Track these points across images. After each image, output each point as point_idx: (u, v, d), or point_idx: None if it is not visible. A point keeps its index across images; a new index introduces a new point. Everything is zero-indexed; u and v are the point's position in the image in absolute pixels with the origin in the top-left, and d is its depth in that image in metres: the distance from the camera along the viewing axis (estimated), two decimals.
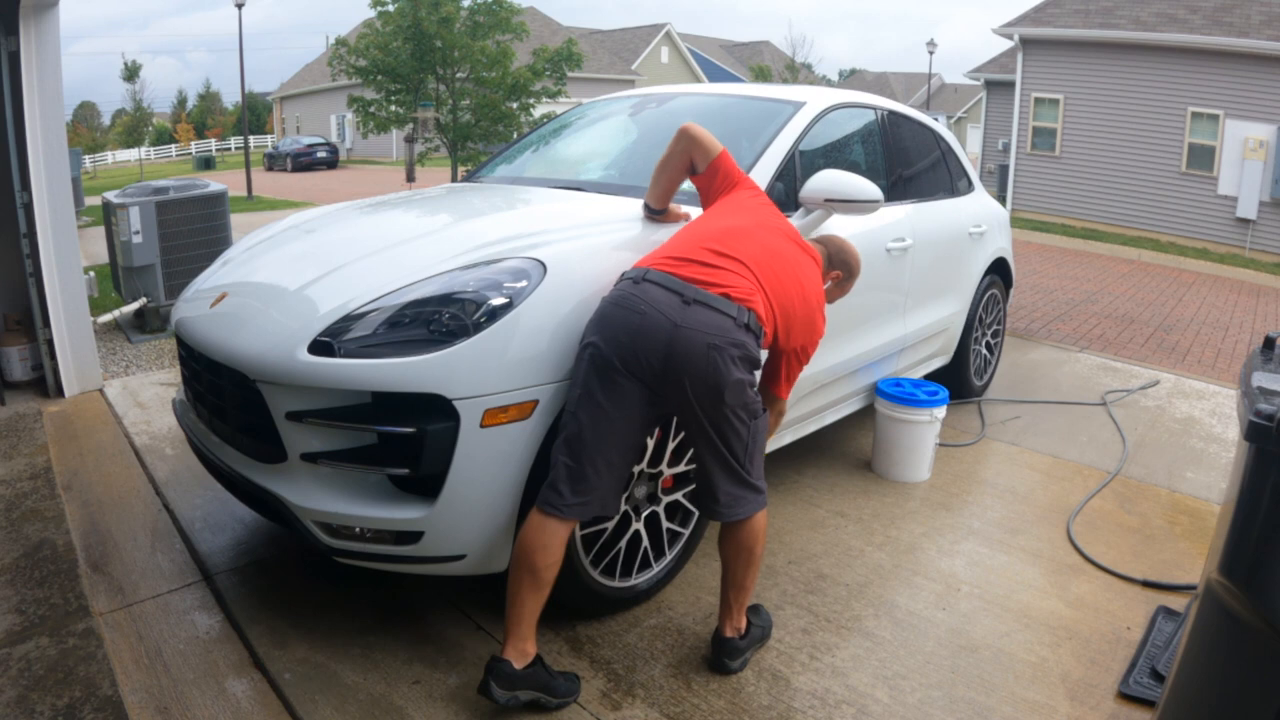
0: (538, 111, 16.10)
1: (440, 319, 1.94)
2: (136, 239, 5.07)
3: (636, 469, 2.22)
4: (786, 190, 2.79)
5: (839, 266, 2.43)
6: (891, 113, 3.71)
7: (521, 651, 1.90)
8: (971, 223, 4.07)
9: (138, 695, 1.97)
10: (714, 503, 2.05)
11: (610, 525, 2.21)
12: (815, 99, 3.15)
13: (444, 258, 2.12)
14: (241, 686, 2.03)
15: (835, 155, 3.22)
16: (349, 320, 1.96)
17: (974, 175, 4.42)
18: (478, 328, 1.92)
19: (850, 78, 52.91)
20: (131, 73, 48.34)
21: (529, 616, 1.92)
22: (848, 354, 3.15)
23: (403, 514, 1.95)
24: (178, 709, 1.94)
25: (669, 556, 2.43)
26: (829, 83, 43.11)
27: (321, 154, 28.15)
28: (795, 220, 2.65)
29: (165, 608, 2.34)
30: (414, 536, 1.96)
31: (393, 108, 16.18)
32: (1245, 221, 13.01)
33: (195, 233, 5.39)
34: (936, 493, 3.29)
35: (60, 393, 4.05)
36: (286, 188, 20.29)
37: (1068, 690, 2.13)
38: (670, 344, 1.84)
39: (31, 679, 1.99)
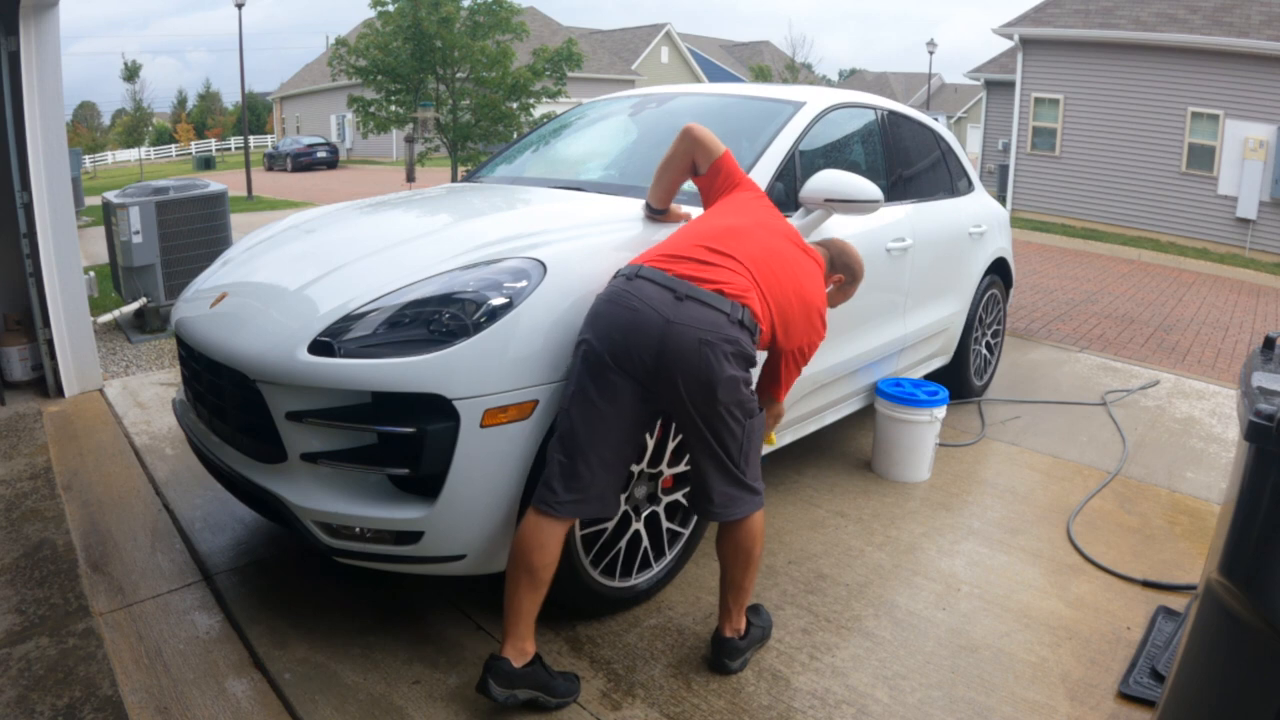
0: (538, 111, 16.10)
1: (440, 319, 1.94)
2: (136, 239, 5.07)
3: (636, 469, 2.22)
4: (786, 190, 2.79)
5: (841, 270, 2.42)
6: (891, 113, 3.71)
7: (520, 650, 1.90)
8: (971, 223, 4.07)
9: (138, 695, 1.97)
10: (708, 503, 2.04)
11: (610, 525, 2.21)
12: (815, 99, 3.15)
13: (444, 258, 2.12)
14: (241, 686, 2.03)
15: (835, 155, 3.22)
16: (349, 320, 1.96)
17: (974, 175, 4.42)
18: (478, 328, 1.92)
19: (850, 78, 52.90)
20: (131, 73, 48.38)
21: (527, 616, 1.92)
22: (848, 354, 3.15)
23: (403, 514, 1.95)
24: (178, 709, 1.94)
25: (669, 556, 2.43)
26: (829, 83, 43.11)
27: (321, 154, 28.16)
28: (795, 220, 2.65)
29: (165, 608, 2.34)
30: (414, 536, 1.96)
31: (393, 108, 16.18)
32: (1245, 221, 13.01)
33: (195, 233, 5.39)
34: (936, 493, 3.29)
35: (60, 393, 4.05)
36: (286, 188, 20.29)
37: (1068, 690, 2.13)
38: (662, 340, 1.84)
39: (31, 679, 1.99)
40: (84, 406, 3.95)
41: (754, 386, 2.10)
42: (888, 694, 2.08)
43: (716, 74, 38.58)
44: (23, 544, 2.63)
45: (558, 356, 1.99)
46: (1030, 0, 15.43)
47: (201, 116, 53.64)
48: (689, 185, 2.37)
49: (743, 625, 2.15)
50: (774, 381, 2.21)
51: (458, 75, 15.82)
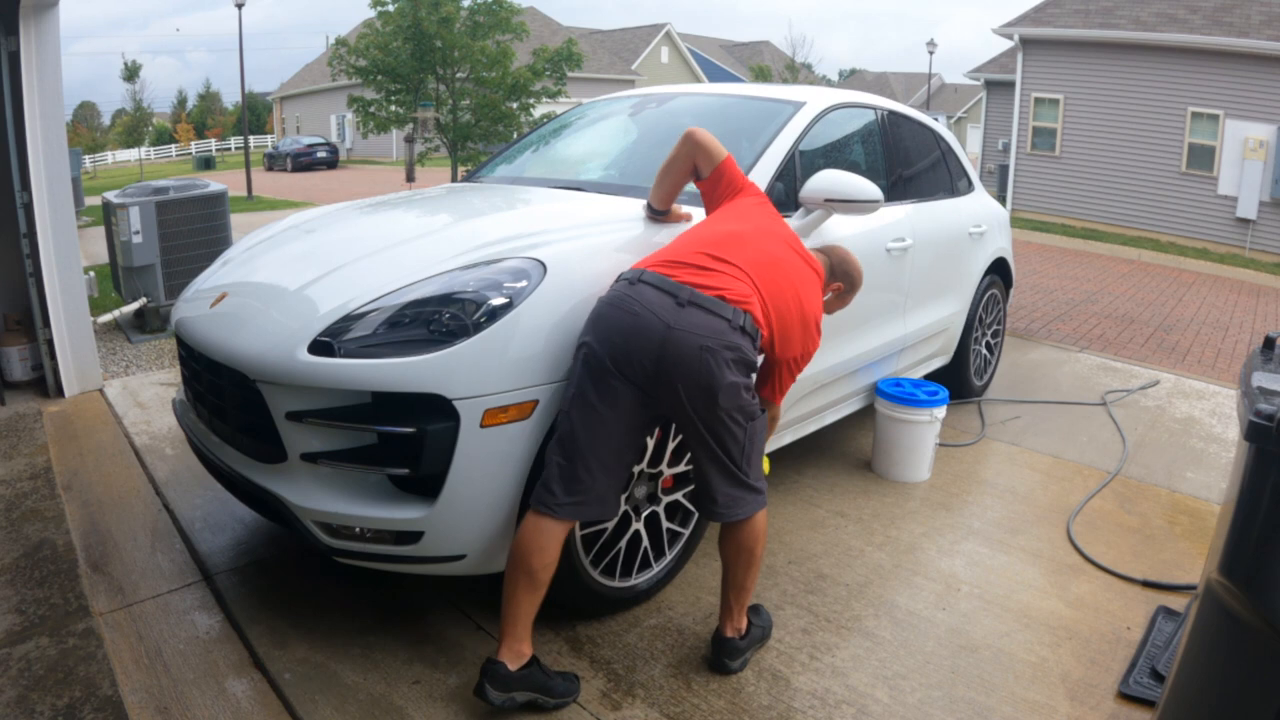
0: (538, 111, 16.10)
1: (440, 319, 1.94)
2: (136, 239, 5.07)
3: (636, 469, 2.22)
4: (786, 190, 2.79)
5: (841, 278, 2.42)
6: (891, 113, 3.71)
7: (516, 653, 1.90)
8: (971, 223, 4.07)
9: (138, 695, 1.97)
10: (712, 504, 2.04)
11: (610, 525, 2.21)
12: (815, 99, 3.15)
13: (444, 258, 2.12)
14: (241, 686, 2.03)
15: (835, 155, 3.22)
16: (349, 320, 1.96)
17: (974, 175, 4.42)
18: (478, 328, 1.92)
19: (850, 78, 52.90)
20: (131, 73, 48.40)
21: (525, 617, 1.91)
22: (848, 354, 3.15)
23: (403, 514, 1.95)
24: (178, 709, 1.94)
25: (669, 556, 2.43)
26: (829, 83, 43.11)
27: (321, 154, 28.16)
28: (795, 220, 2.65)
29: (165, 608, 2.34)
30: (414, 536, 1.96)
31: (393, 108, 16.18)
32: (1245, 221, 13.01)
33: (195, 233, 5.39)
34: (936, 493, 3.29)
35: (60, 393, 4.05)
36: (286, 188, 20.29)
37: (1068, 690, 2.13)
38: (663, 345, 1.84)
39: (31, 679, 1.99)
40: (84, 406, 3.95)
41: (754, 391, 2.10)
42: (888, 694, 2.08)
43: (716, 74, 38.59)
44: (23, 544, 2.63)
45: (558, 356, 1.99)
46: (1030, 0, 15.44)
47: (201, 116, 53.64)
48: (690, 186, 2.37)
49: (744, 625, 2.15)
50: (767, 388, 2.21)
51: (458, 75, 15.82)
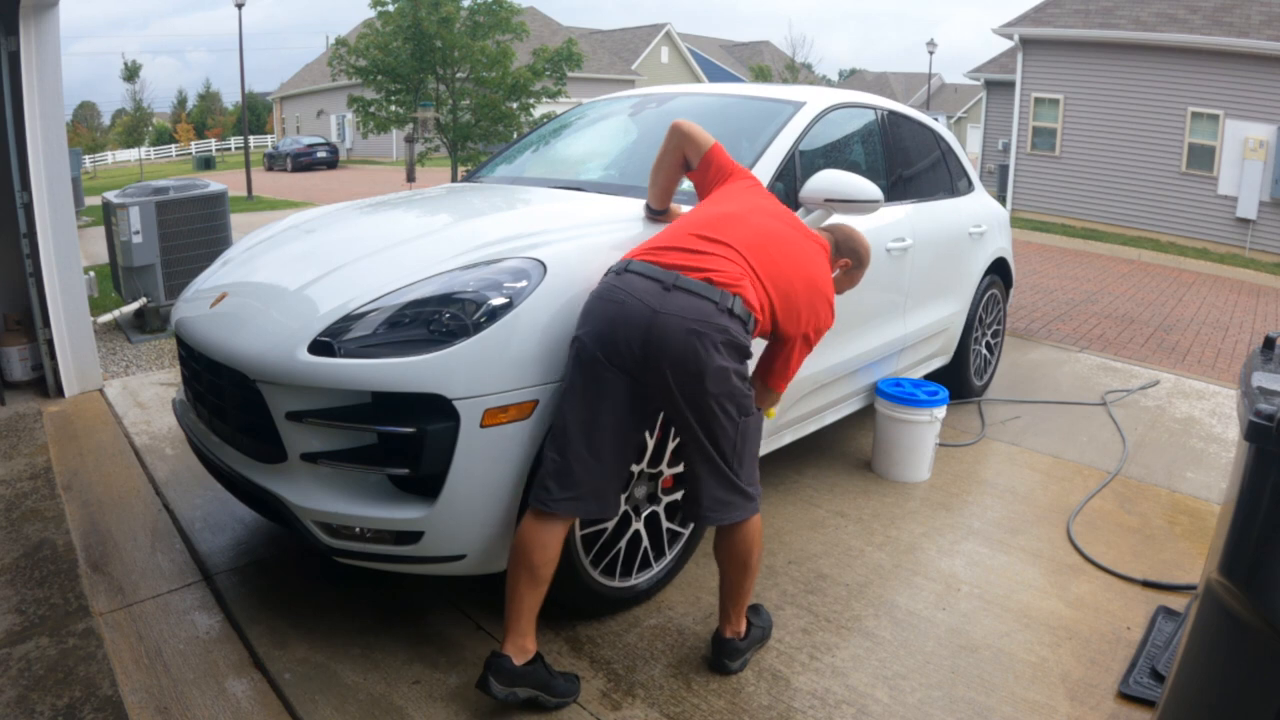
0: (538, 111, 16.10)
1: (440, 319, 1.94)
2: (136, 239, 5.07)
3: (636, 469, 2.22)
4: (786, 190, 2.79)
5: (848, 254, 2.35)
6: (891, 113, 3.71)
7: (521, 648, 1.90)
8: (971, 223, 4.07)
9: (138, 695, 1.97)
10: (696, 505, 2.01)
11: (610, 525, 2.21)
12: (815, 99, 3.15)
13: (444, 258, 2.11)
14: (241, 686, 2.03)
15: (835, 155, 3.22)
16: (349, 320, 1.96)
17: (974, 175, 4.42)
18: (478, 328, 1.92)
19: (850, 78, 52.90)
20: (131, 73, 48.39)
21: (528, 613, 1.91)
22: (848, 354, 3.15)
23: (403, 514, 1.95)
24: (178, 709, 1.94)
25: (669, 556, 2.43)
26: (829, 83, 43.11)
27: (321, 154, 28.16)
28: None
29: (165, 608, 2.34)
30: (414, 536, 1.96)
31: (393, 108, 16.19)
32: (1245, 221, 13.01)
33: (195, 233, 5.39)
34: (936, 493, 3.29)
35: (60, 393, 4.05)
36: (286, 188, 20.29)
37: (1068, 690, 2.13)
38: (648, 329, 1.82)
39: (31, 679, 1.99)
40: (84, 406, 3.95)
41: (750, 378, 2.05)
42: (888, 694, 2.08)
43: (716, 74, 38.59)
44: (23, 544, 2.63)
45: (558, 356, 1.99)
46: (1030, 0, 15.44)
47: (201, 116, 53.64)
48: (688, 185, 2.36)
49: (742, 627, 2.15)
50: (771, 369, 2.14)
51: (458, 75, 15.83)
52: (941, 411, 3.31)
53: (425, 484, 1.95)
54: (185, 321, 2.35)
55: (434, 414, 1.89)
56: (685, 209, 2.43)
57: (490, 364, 1.91)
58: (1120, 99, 14.05)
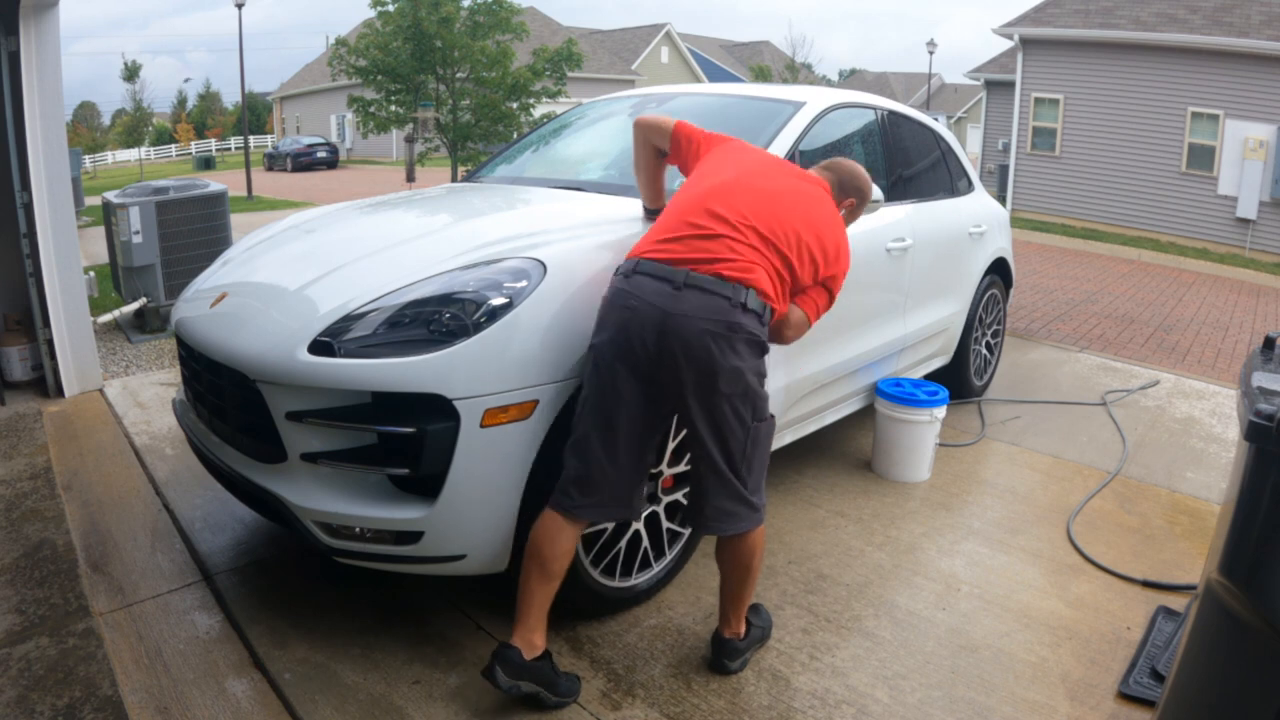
0: (538, 111, 16.10)
1: (440, 319, 1.94)
2: (136, 239, 5.07)
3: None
4: None
5: (852, 193, 2.28)
6: (891, 113, 3.71)
7: (529, 642, 1.90)
8: (971, 223, 4.07)
9: (138, 695, 1.97)
10: (699, 513, 2.00)
11: (610, 525, 2.21)
12: (815, 99, 3.15)
13: (444, 258, 2.12)
14: (241, 686, 2.03)
15: (835, 155, 3.20)
16: (349, 320, 1.96)
17: (974, 175, 4.42)
18: (478, 328, 1.92)
19: (850, 78, 52.89)
20: (131, 73, 48.38)
21: (538, 608, 1.91)
22: (848, 354, 3.15)
23: (403, 514, 1.95)
24: (178, 709, 1.94)
25: (669, 556, 2.43)
26: (829, 83, 43.10)
27: (321, 154, 28.16)
28: None
29: (165, 608, 2.34)
30: (414, 536, 1.96)
31: (393, 108, 16.18)
32: (1245, 221, 13.01)
33: (195, 233, 5.39)
34: (936, 493, 3.29)
35: (60, 393, 4.05)
36: (286, 188, 20.29)
37: (1068, 690, 2.13)
38: (662, 332, 1.81)
39: (31, 679, 1.99)
40: (84, 406, 3.95)
41: (765, 386, 2.05)
42: (888, 694, 2.08)
43: (716, 74, 38.58)
44: (23, 544, 2.63)
45: (558, 356, 1.99)
46: (1030, 0, 15.44)
47: (201, 116, 53.63)
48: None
49: (742, 629, 2.15)
50: (807, 305, 2.10)
51: (458, 75, 15.82)
52: (941, 411, 3.31)
53: (425, 484, 1.95)
54: (185, 321, 2.35)
55: (434, 414, 1.89)
56: None
57: (490, 364, 1.91)
58: (1120, 99, 14.05)
